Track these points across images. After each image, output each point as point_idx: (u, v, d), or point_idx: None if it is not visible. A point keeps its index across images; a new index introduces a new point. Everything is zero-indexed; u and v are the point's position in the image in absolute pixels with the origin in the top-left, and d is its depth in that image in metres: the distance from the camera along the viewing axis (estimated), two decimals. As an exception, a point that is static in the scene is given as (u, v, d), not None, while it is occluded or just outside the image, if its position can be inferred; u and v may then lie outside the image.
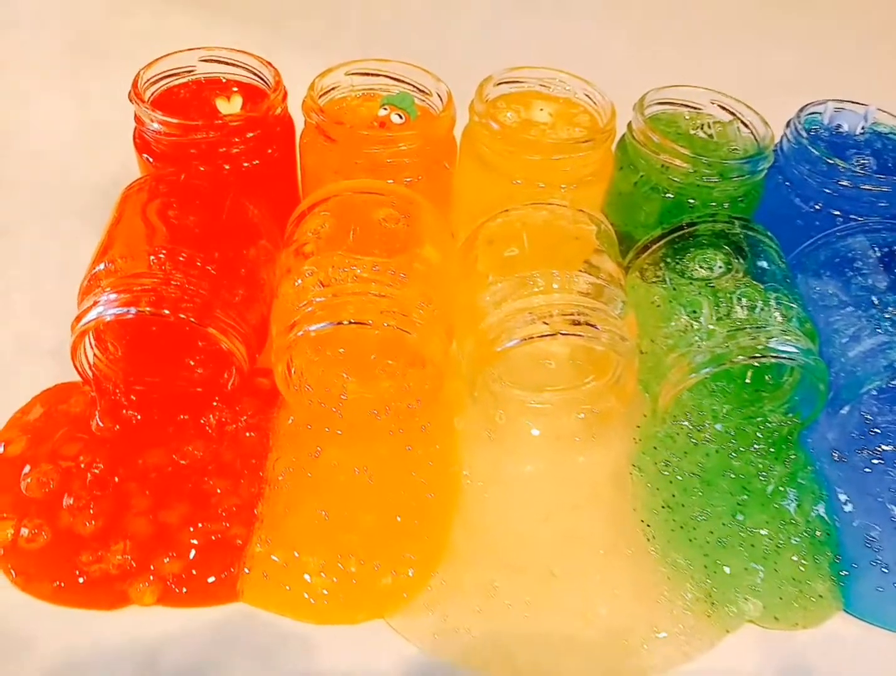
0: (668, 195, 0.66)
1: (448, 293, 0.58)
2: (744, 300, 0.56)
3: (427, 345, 0.53)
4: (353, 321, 0.51)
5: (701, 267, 0.59)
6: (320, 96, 0.66)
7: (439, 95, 0.66)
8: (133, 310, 0.50)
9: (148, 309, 0.50)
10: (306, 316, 0.52)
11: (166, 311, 0.50)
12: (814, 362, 0.54)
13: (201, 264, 0.53)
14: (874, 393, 0.59)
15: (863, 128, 0.69)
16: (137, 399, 0.57)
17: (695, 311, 0.57)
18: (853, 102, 0.71)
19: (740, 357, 0.53)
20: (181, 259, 0.53)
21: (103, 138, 0.83)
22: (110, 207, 0.59)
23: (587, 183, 0.67)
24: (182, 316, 0.51)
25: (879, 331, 0.57)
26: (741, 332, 0.54)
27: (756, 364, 0.58)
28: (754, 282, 0.58)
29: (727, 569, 0.53)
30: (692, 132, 0.69)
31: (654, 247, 0.63)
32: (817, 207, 0.67)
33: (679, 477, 0.57)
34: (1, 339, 0.65)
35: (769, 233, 0.62)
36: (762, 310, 0.56)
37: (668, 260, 0.61)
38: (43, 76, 0.98)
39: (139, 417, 0.56)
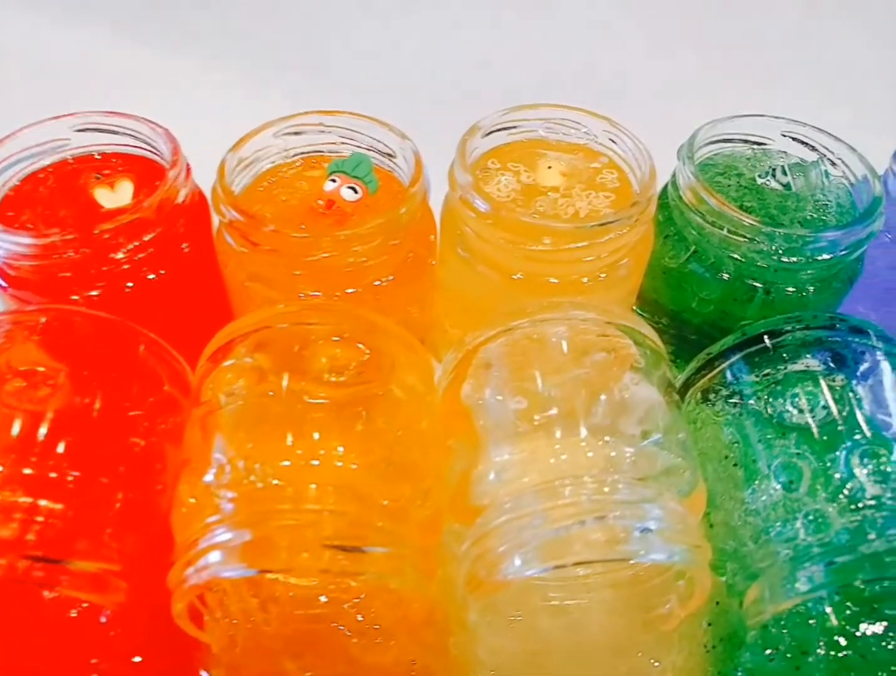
0: (727, 277, 0.47)
1: (432, 469, 0.41)
2: (868, 462, 0.38)
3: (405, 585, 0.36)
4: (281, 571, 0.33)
5: (794, 405, 0.41)
6: (241, 171, 0.47)
7: (405, 157, 0.48)
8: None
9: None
10: (211, 547, 0.35)
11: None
12: None
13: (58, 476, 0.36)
14: None
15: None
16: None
17: (792, 482, 0.38)
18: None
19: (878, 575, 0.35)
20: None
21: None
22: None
23: (619, 272, 0.48)
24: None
25: None
26: (872, 525, 0.36)
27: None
28: (877, 426, 0.39)
29: None
30: (760, 181, 0.50)
31: (722, 365, 0.44)
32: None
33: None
34: None
35: (888, 336, 0.44)
36: (894, 475, 0.38)
37: (745, 387, 0.43)
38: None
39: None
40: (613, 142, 0.49)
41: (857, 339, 0.43)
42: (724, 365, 0.44)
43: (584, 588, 0.42)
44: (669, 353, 0.48)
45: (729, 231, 0.45)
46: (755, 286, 0.47)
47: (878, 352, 0.43)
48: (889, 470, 0.38)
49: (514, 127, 0.49)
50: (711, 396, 0.44)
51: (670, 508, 0.37)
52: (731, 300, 0.48)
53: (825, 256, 0.46)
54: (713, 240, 0.46)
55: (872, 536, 0.36)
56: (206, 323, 0.47)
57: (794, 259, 0.45)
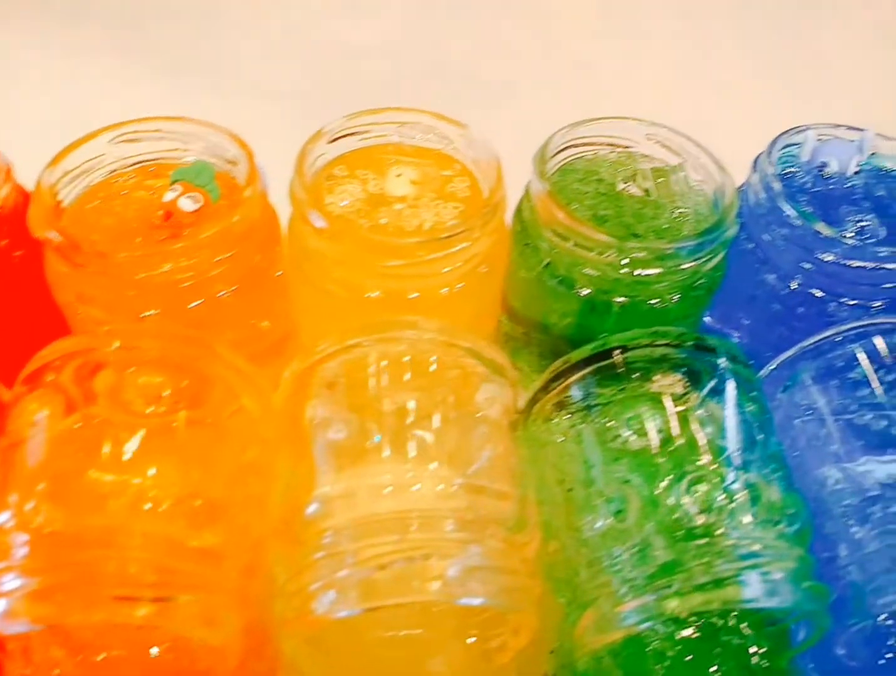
0: (583, 291, 0.45)
1: (258, 501, 0.39)
2: (697, 490, 0.37)
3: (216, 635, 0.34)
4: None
5: (630, 427, 0.39)
6: (71, 183, 0.44)
7: (244, 164, 0.45)
8: None
9: None
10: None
11: None
12: (809, 609, 0.35)
13: None
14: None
15: (858, 164, 0.49)
16: None
17: (620, 510, 0.37)
18: (843, 127, 0.50)
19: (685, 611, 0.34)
20: None
21: None
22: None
23: (478, 281, 0.46)
24: None
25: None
26: (689, 558, 0.35)
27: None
28: (714, 451, 0.38)
29: None
30: (621, 187, 0.48)
31: (566, 381, 0.43)
32: (793, 286, 0.47)
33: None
34: None
35: (737, 354, 0.42)
36: (725, 505, 0.36)
37: (584, 407, 0.41)
38: None
39: None
40: (465, 147, 0.47)
41: (703, 358, 0.42)
42: (567, 382, 0.42)
43: (419, 620, 0.41)
44: (541, 366, 0.47)
45: (577, 244, 0.43)
46: (610, 299, 0.45)
47: (726, 373, 0.41)
48: (720, 498, 0.37)
49: (365, 132, 0.47)
50: (554, 415, 0.42)
51: (491, 546, 0.36)
52: (588, 313, 0.46)
53: (679, 267, 0.44)
54: (565, 253, 0.44)
55: (697, 568, 0.35)
56: (44, 339, 0.45)
57: (647, 271, 0.44)
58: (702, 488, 0.37)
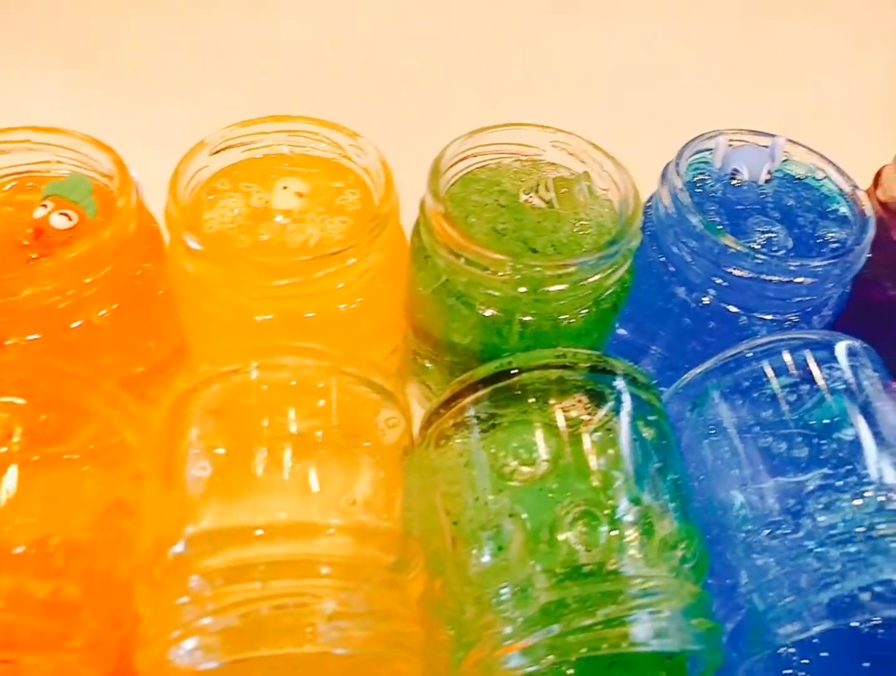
0: (482, 310, 0.43)
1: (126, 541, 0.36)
2: (584, 525, 0.35)
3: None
4: None
5: (516, 455, 0.37)
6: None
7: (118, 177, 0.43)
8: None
9: None
10: None
11: None
12: (698, 647, 0.33)
13: None
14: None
15: (769, 172, 0.47)
16: None
17: (502, 547, 0.35)
18: (755, 133, 0.48)
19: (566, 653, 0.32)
20: None
21: None
22: None
23: (378, 292, 0.44)
24: None
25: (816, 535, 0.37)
26: (573, 599, 0.33)
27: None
28: (604, 481, 0.36)
29: None
30: (523, 198, 0.46)
31: (459, 404, 0.40)
32: (703, 300, 0.45)
33: None
34: None
35: (637, 376, 0.40)
36: (614, 540, 0.35)
37: (472, 433, 0.39)
38: None
39: None
40: (358, 157, 0.44)
41: (601, 380, 0.40)
42: (459, 406, 0.40)
43: (293, 670, 0.39)
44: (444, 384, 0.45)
45: (469, 262, 0.41)
46: (511, 317, 0.43)
47: (622, 396, 0.39)
48: (610, 532, 0.35)
49: (251, 143, 0.44)
50: (445, 440, 0.40)
51: (368, 591, 0.34)
52: (490, 331, 0.44)
53: (579, 282, 0.42)
54: (461, 271, 0.42)
55: (581, 609, 0.33)
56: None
57: (544, 288, 0.42)
58: (590, 521, 0.35)
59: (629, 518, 0.35)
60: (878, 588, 0.35)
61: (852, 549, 0.36)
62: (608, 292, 0.45)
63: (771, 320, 0.45)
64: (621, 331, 0.52)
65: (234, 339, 0.45)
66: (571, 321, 0.45)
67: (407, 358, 0.52)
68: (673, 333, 0.48)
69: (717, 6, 0.91)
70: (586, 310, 0.45)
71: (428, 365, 0.49)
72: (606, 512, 0.35)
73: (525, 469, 0.37)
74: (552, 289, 0.42)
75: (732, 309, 0.45)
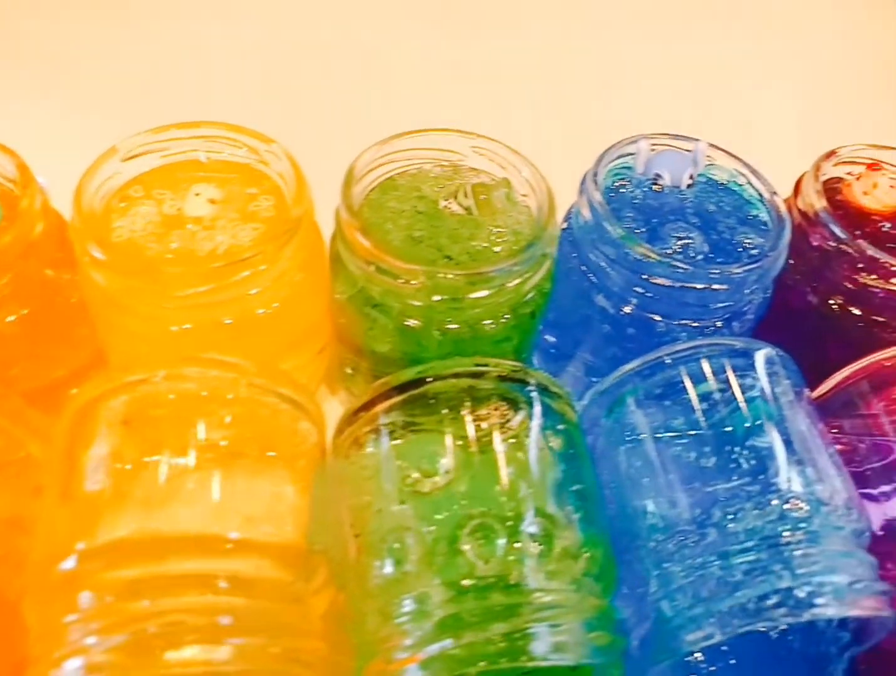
0: (399, 318, 0.43)
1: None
2: (482, 537, 0.35)
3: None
4: None
5: (419, 466, 0.37)
6: None
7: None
8: None
9: None
10: None
11: None
12: (596, 660, 0.33)
13: None
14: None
15: (691, 177, 0.47)
16: None
17: (400, 561, 0.35)
18: (679, 137, 0.48)
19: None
20: None
21: None
22: None
23: (296, 296, 0.44)
24: None
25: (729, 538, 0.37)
26: (470, 613, 0.33)
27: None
28: (509, 492, 0.36)
29: None
30: (442, 204, 0.46)
31: (368, 413, 0.40)
32: (622, 307, 0.45)
33: None
34: None
35: (548, 384, 0.40)
36: (515, 552, 0.34)
37: (380, 443, 0.39)
38: None
39: None
40: (274, 163, 0.44)
41: (511, 389, 0.40)
42: (368, 415, 0.40)
43: None
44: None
45: (381, 271, 0.41)
46: (427, 325, 0.43)
47: (532, 405, 0.39)
48: (512, 545, 0.35)
49: (165, 149, 0.44)
50: (353, 450, 0.40)
51: (265, 607, 0.34)
52: (406, 339, 0.44)
53: (494, 290, 0.42)
54: (375, 279, 0.42)
55: (478, 624, 0.33)
56: None
57: (458, 296, 0.42)
58: (489, 534, 0.35)
59: (531, 529, 0.35)
60: (776, 597, 0.35)
61: (753, 557, 0.36)
62: (526, 299, 0.44)
63: (691, 326, 0.45)
64: (549, 338, 0.52)
65: (152, 350, 0.44)
66: (491, 328, 0.44)
67: (334, 363, 0.51)
68: (595, 339, 0.48)
69: (637, 11, 0.91)
70: (506, 317, 0.44)
71: (350, 371, 0.49)
72: (508, 523, 0.35)
73: (428, 480, 0.36)
74: (467, 297, 0.42)
75: (652, 316, 0.45)
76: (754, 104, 0.80)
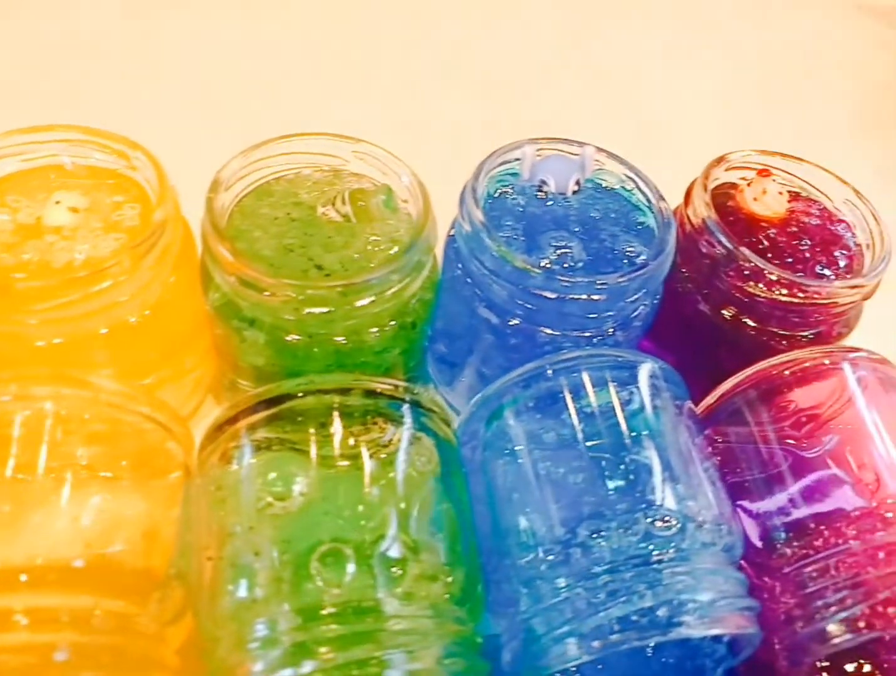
0: (288, 338, 0.42)
1: None
2: (337, 559, 0.34)
3: None
4: None
5: (276, 486, 0.36)
6: None
7: None
8: None
9: None
10: None
11: None
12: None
13: None
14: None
15: (577, 183, 0.46)
16: None
17: (252, 586, 0.33)
18: (567, 142, 0.47)
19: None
20: None
21: None
22: None
23: (167, 304, 0.42)
24: None
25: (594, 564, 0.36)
26: (320, 641, 0.32)
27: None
28: (367, 514, 0.35)
29: None
30: (321, 211, 0.44)
31: (228, 430, 0.39)
32: (506, 319, 0.44)
33: None
34: None
35: (420, 400, 0.39)
36: (369, 578, 0.33)
37: (246, 457, 0.38)
38: None
39: None
40: (140, 168, 0.42)
41: (382, 406, 0.39)
42: (229, 432, 0.38)
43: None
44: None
45: (246, 284, 0.39)
46: (296, 338, 0.42)
47: (404, 422, 0.38)
48: (367, 570, 0.33)
49: (22, 153, 0.42)
50: (212, 469, 0.38)
51: (105, 640, 0.32)
52: (280, 353, 0.42)
53: (368, 301, 0.41)
54: (240, 292, 0.40)
55: (328, 653, 0.32)
56: None
57: (331, 309, 0.40)
58: (342, 558, 0.34)
59: (390, 552, 0.34)
60: (637, 617, 0.34)
61: (618, 578, 0.35)
62: (407, 308, 0.43)
63: (577, 336, 0.45)
64: (440, 347, 0.51)
65: (19, 364, 0.42)
66: (373, 338, 0.43)
67: (217, 372, 0.50)
68: (483, 349, 0.47)
69: (542, 10, 0.90)
70: (389, 326, 0.43)
71: (229, 384, 0.47)
72: (363, 547, 0.34)
73: (282, 503, 0.35)
74: (342, 308, 0.40)
75: (535, 327, 0.44)
76: (657, 107, 0.79)
